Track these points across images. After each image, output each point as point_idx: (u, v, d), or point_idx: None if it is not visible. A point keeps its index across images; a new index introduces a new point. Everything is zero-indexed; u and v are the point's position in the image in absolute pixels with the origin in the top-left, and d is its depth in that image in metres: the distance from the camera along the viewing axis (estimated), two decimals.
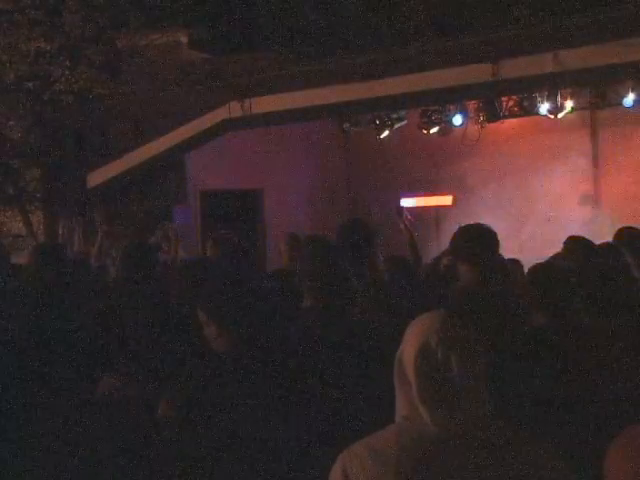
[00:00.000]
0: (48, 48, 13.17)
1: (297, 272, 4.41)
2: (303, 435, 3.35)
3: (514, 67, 8.72)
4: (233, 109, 10.77)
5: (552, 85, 9.97)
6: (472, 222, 7.26)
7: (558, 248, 6.32)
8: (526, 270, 4.67)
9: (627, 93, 10.80)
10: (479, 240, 4.80)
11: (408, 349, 2.45)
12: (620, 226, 6.66)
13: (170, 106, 11.58)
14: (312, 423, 3.43)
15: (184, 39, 14.00)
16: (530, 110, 11.71)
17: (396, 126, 12.61)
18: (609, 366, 4.01)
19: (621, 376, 3.98)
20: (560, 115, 11.39)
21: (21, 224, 13.55)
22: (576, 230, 10.31)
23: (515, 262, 6.82)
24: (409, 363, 2.42)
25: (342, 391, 3.68)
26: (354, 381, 3.73)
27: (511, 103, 11.92)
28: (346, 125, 13.59)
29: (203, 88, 11.84)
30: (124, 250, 5.78)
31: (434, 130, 12.47)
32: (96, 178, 12.29)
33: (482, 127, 12.31)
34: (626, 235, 6.35)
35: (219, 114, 11.04)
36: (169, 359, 3.97)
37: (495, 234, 4.92)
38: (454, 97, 10.47)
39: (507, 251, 5.52)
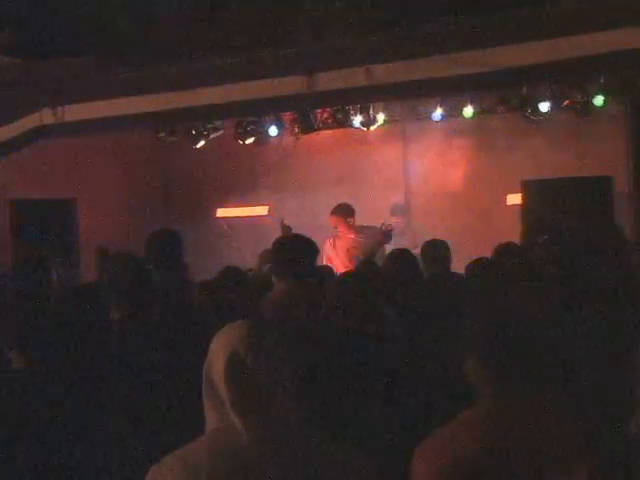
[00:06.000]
0: None
1: (104, 285, 4.37)
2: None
3: (328, 80, 8.88)
4: (45, 116, 10.47)
5: (364, 98, 10.22)
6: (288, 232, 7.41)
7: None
8: None
9: (435, 108, 11.23)
10: (292, 252, 4.89)
11: (217, 361, 2.45)
12: (428, 236, 6.92)
13: None
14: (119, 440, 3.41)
15: None
16: (344, 122, 11.93)
17: (212, 136, 12.54)
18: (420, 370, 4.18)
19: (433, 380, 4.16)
20: (372, 127, 11.68)
21: None
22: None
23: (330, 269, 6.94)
24: (219, 374, 2.43)
25: (152, 400, 3.68)
26: (164, 390, 3.74)
27: (325, 115, 12.10)
28: (162, 134, 13.34)
29: (13, 94, 11.45)
30: None
31: (250, 141, 12.51)
32: None
33: (297, 138, 12.46)
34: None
35: (30, 121, 10.70)
36: None
37: (312, 244, 5.02)
38: (269, 108, 10.57)
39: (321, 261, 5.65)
